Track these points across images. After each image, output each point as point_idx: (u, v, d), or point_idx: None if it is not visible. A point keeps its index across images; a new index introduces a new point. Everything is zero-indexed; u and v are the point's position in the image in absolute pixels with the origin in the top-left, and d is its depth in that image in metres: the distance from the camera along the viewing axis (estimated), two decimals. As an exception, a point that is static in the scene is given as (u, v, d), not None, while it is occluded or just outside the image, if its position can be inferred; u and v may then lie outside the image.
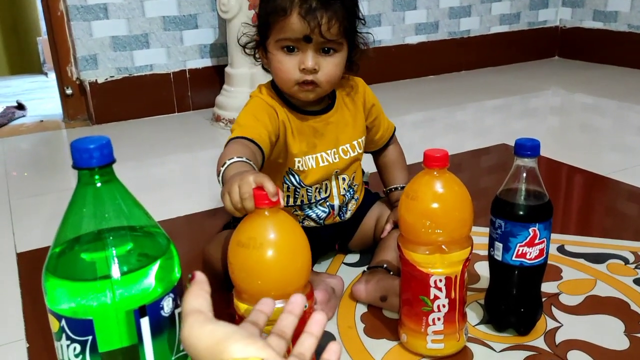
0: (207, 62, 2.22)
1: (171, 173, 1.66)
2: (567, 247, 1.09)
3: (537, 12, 2.87)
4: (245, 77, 1.95)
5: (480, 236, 0.90)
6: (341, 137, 0.96)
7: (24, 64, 3.67)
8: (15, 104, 2.50)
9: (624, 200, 1.34)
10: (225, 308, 0.66)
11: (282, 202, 0.63)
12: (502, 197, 0.79)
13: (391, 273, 0.92)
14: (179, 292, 0.55)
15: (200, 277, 0.50)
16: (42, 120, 2.25)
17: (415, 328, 0.78)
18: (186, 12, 2.15)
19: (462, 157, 1.62)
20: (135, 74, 2.12)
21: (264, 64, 0.93)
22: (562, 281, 0.98)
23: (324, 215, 0.99)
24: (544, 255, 0.79)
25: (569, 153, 1.61)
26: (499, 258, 0.80)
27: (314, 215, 0.98)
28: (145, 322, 0.51)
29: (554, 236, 1.08)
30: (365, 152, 1.04)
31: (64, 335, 0.51)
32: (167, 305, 0.53)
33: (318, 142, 0.94)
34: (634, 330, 0.85)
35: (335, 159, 0.95)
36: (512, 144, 0.78)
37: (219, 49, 2.22)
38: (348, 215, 1.01)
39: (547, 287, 0.95)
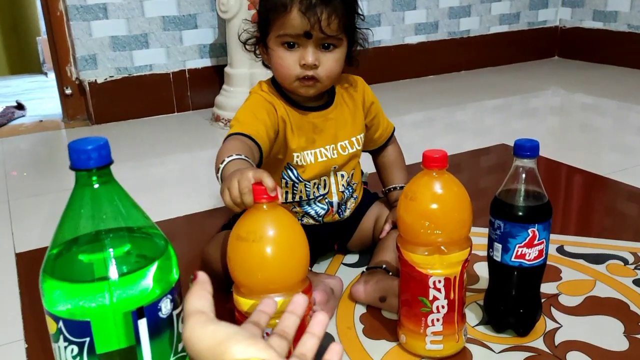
0: (206, 62, 2.22)
1: (171, 173, 1.66)
2: (567, 248, 1.09)
3: (536, 12, 2.87)
4: (244, 77, 1.95)
5: (480, 237, 0.90)
6: (340, 134, 0.96)
7: (24, 63, 3.67)
8: (15, 104, 2.50)
9: (623, 201, 1.34)
10: (225, 306, 0.66)
11: (281, 198, 0.64)
12: (501, 198, 0.79)
13: (390, 274, 0.92)
14: (177, 293, 0.55)
15: (202, 277, 0.50)
16: (41, 120, 2.25)
17: (414, 329, 0.78)
18: (186, 12, 2.15)
19: (462, 157, 1.62)
20: (135, 74, 2.12)
21: (265, 60, 0.94)
22: (561, 282, 0.98)
23: (322, 212, 0.99)
24: (543, 256, 0.79)
25: (568, 153, 1.61)
26: (498, 259, 0.80)
27: (312, 212, 0.98)
28: (143, 324, 0.51)
29: (553, 237, 1.08)
30: (364, 151, 1.04)
31: (61, 337, 0.51)
32: (165, 306, 0.53)
33: (317, 138, 0.94)
34: (634, 331, 0.85)
35: (333, 154, 0.95)
36: (512, 144, 0.78)
37: (219, 49, 2.22)
38: (347, 213, 1.01)
39: (547, 287, 0.95)
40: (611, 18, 2.70)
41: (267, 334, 0.51)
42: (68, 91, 2.13)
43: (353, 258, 1.08)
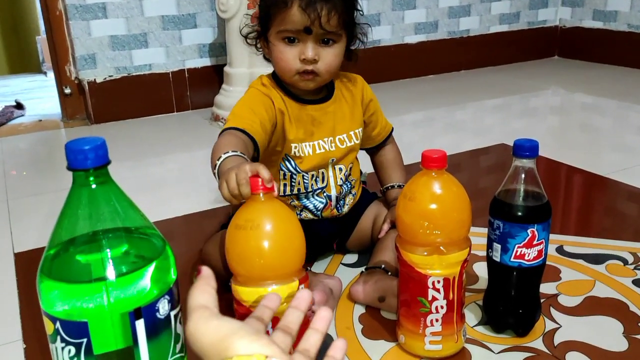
0: (206, 62, 2.22)
1: (170, 173, 1.66)
2: (566, 248, 1.09)
3: (536, 11, 2.87)
4: (244, 76, 1.95)
5: (479, 237, 0.90)
6: (338, 127, 0.97)
7: (23, 63, 3.67)
8: (14, 104, 2.49)
9: (623, 201, 1.34)
10: (225, 303, 0.66)
11: (276, 192, 0.65)
12: (500, 198, 0.79)
13: (389, 273, 0.92)
14: (175, 293, 0.55)
15: (206, 272, 0.50)
16: (40, 120, 2.25)
17: (413, 329, 0.78)
18: (185, 12, 2.14)
19: (461, 157, 1.62)
20: (134, 74, 2.12)
21: (265, 54, 0.96)
22: (561, 282, 0.98)
23: (321, 206, 0.99)
24: (543, 256, 0.79)
25: (568, 153, 1.61)
26: (498, 259, 0.80)
27: (311, 206, 0.99)
28: (140, 324, 0.51)
29: (553, 237, 1.08)
30: (363, 148, 1.06)
31: (58, 338, 0.50)
32: (163, 307, 0.53)
33: (315, 130, 0.95)
34: (633, 331, 0.84)
35: (331, 147, 0.97)
36: (512, 143, 0.78)
37: (218, 48, 2.22)
38: (345, 209, 1.02)
39: (546, 288, 0.95)
40: (611, 18, 2.70)
41: (267, 332, 0.51)
42: (67, 91, 2.13)
43: (352, 258, 1.07)
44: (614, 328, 0.85)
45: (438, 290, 0.75)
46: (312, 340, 0.48)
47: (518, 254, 0.78)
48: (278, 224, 0.64)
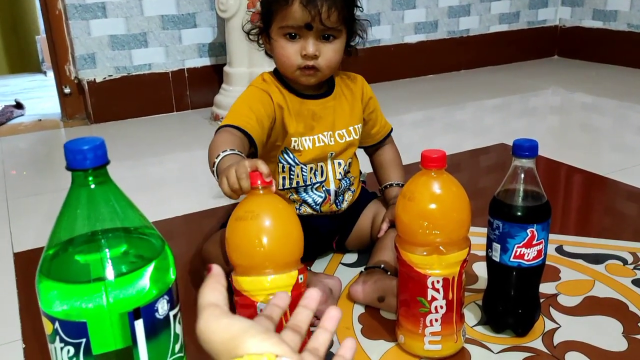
0: (205, 61, 2.22)
1: (169, 172, 1.66)
2: (566, 248, 1.09)
3: (536, 11, 2.87)
4: (243, 76, 1.95)
5: (479, 236, 0.90)
6: (337, 123, 0.99)
7: (23, 62, 3.67)
8: (14, 103, 2.49)
9: (623, 201, 1.34)
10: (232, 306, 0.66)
11: (274, 188, 0.68)
12: (499, 198, 0.79)
13: (389, 273, 0.92)
14: (174, 293, 0.55)
15: (216, 270, 0.50)
16: (40, 119, 2.25)
17: (412, 329, 0.78)
18: (185, 11, 2.14)
19: (461, 157, 1.62)
20: (134, 73, 2.12)
21: (267, 50, 0.98)
22: (560, 282, 0.98)
23: (320, 200, 1.00)
24: (542, 256, 0.79)
25: (568, 153, 1.61)
26: (497, 259, 0.80)
27: (310, 200, 0.99)
28: (139, 325, 0.51)
29: (552, 236, 1.08)
30: (362, 147, 1.07)
31: (57, 338, 0.50)
32: (162, 307, 0.53)
33: (316, 125, 0.97)
34: (633, 331, 0.84)
35: (330, 141, 0.98)
36: (511, 143, 0.78)
37: (218, 48, 2.21)
38: (344, 206, 1.02)
39: (546, 287, 0.95)
40: (611, 17, 2.70)
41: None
42: (67, 90, 2.13)
43: (352, 258, 1.07)
44: (613, 328, 0.85)
45: (437, 290, 0.75)
46: (321, 339, 0.48)
47: (517, 254, 0.78)
48: (277, 215, 0.66)
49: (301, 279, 0.67)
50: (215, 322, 0.43)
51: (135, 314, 0.50)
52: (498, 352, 0.81)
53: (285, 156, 0.96)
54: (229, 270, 0.69)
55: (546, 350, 0.81)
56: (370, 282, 0.90)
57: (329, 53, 0.91)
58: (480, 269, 0.99)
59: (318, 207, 1.00)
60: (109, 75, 2.09)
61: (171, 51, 2.16)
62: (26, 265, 1.11)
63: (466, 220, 0.75)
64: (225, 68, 2.03)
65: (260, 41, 0.97)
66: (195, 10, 2.16)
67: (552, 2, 2.89)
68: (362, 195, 1.07)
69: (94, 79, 2.06)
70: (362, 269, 0.99)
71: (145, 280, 0.52)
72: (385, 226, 0.98)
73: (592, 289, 0.96)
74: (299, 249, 0.68)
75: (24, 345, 0.87)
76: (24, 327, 0.92)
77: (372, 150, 1.10)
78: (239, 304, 0.67)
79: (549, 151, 1.58)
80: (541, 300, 0.85)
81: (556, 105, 2.27)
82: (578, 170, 1.49)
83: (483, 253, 0.84)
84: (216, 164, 0.79)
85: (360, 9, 0.95)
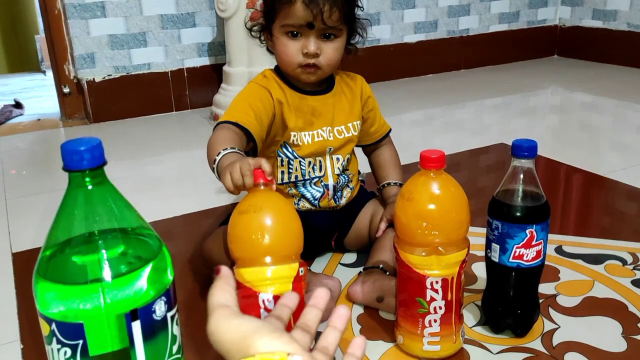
0: (205, 61, 2.22)
1: (169, 172, 1.66)
2: (565, 248, 1.09)
3: (536, 10, 2.87)
4: (243, 75, 1.95)
5: (478, 237, 0.89)
6: (337, 119, 1.00)
7: (23, 62, 3.66)
8: (13, 103, 2.49)
9: (622, 201, 1.34)
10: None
11: (275, 186, 0.70)
12: (499, 198, 0.79)
13: (387, 273, 0.92)
14: (172, 294, 0.55)
15: (225, 271, 0.50)
16: (39, 119, 2.25)
17: (411, 330, 0.78)
18: (184, 11, 2.14)
19: (461, 157, 1.62)
20: (133, 73, 2.12)
21: (269, 47, 0.99)
22: (559, 282, 0.98)
23: (318, 195, 1.00)
24: (541, 257, 0.79)
25: (567, 152, 1.61)
26: (496, 259, 0.79)
27: (308, 195, 1.00)
28: (136, 326, 0.50)
29: (552, 237, 1.07)
30: (360, 146, 1.08)
31: (54, 339, 0.50)
32: (160, 308, 0.53)
33: (315, 120, 0.98)
34: (632, 332, 0.84)
35: (329, 136, 0.99)
36: (511, 143, 0.77)
37: (217, 47, 2.21)
38: (343, 202, 1.03)
39: (545, 288, 0.94)
40: (611, 17, 2.70)
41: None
42: (66, 90, 2.12)
43: (351, 258, 1.07)
44: (612, 328, 0.85)
45: (436, 291, 0.75)
46: (331, 339, 0.48)
47: (517, 254, 0.78)
48: (279, 209, 0.68)
49: (302, 271, 0.68)
50: (226, 323, 0.44)
51: (133, 315, 0.50)
52: (497, 353, 0.81)
53: (284, 150, 0.98)
54: (230, 265, 0.70)
55: (545, 351, 0.80)
56: (369, 282, 0.90)
57: (329, 51, 0.92)
58: (480, 270, 0.99)
59: (316, 201, 1.01)
60: (108, 75, 2.08)
61: (170, 51, 2.16)
62: (25, 265, 1.11)
63: (465, 220, 0.75)
64: (225, 67, 2.03)
65: (262, 38, 0.99)
66: (194, 10, 2.16)
67: (551, 1, 2.89)
68: (361, 194, 1.08)
69: (93, 79, 2.06)
70: (361, 269, 0.99)
71: (142, 281, 0.52)
72: (383, 226, 0.98)
73: (592, 290, 0.95)
74: (299, 242, 0.69)
75: (21, 346, 0.87)
76: (22, 327, 0.92)
77: (370, 150, 1.11)
78: (241, 297, 0.67)
79: (549, 151, 1.58)
80: (540, 301, 0.85)
81: (556, 105, 2.27)
82: (577, 170, 1.49)
83: (482, 253, 0.84)
84: (217, 161, 0.80)
85: (361, 8, 0.97)
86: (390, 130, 1.10)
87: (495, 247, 0.79)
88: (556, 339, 0.83)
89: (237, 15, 1.89)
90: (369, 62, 2.42)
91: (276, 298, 0.65)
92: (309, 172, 0.99)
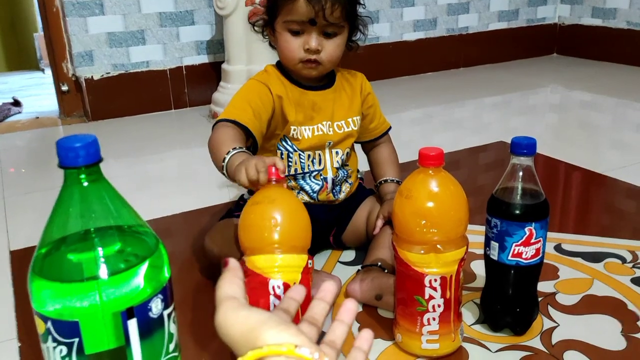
0: (203, 59, 2.21)
1: (168, 170, 1.65)
2: (564, 246, 1.08)
3: (535, 8, 2.86)
4: (241, 73, 1.94)
5: (477, 234, 0.89)
6: (337, 114, 1.01)
7: (22, 60, 3.66)
8: (12, 101, 2.49)
9: (622, 199, 1.33)
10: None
11: (285, 185, 0.74)
12: (498, 196, 0.78)
13: (386, 271, 0.92)
14: (168, 292, 0.55)
15: (233, 264, 0.51)
16: (37, 117, 2.24)
17: (410, 328, 0.78)
18: (182, 9, 2.14)
19: (460, 155, 1.61)
20: (132, 71, 2.11)
21: (271, 41, 1.01)
22: (558, 280, 0.97)
23: (317, 187, 1.01)
24: (540, 255, 0.79)
25: (567, 150, 1.61)
26: (495, 257, 0.79)
27: (307, 187, 1.01)
28: (132, 324, 0.50)
29: (551, 235, 1.07)
30: (359, 142, 1.08)
31: (50, 337, 0.50)
32: (156, 306, 0.52)
33: (315, 115, 0.99)
34: (631, 330, 0.84)
35: (329, 131, 1.00)
36: (510, 141, 0.77)
37: (216, 45, 2.21)
38: (341, 196, 1.04)
39: (544, 286, 0.94)
40: (610, 15, 2.69)
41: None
42: (64, 88, 2.12)
43: (349, 256, 1.07)
44: (612, 327, 0.85)
45: (435, 289, 0.74)
46: (338, 332, 0.49)
47: (515, 252, 0.77)
48: (291, 202, 0.72)
49: (310, 263, 0.70)
50: (234, 315, 0.44)
51: (129, 313, 0.50)
52: (496, 351, 0.80)
53: (284, 143, 0.99)
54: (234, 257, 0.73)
55: (544, 349, 0.80)
56: (367, 280, 0.90)
57: (330, 48, 0.94)
58: (478, 268, 0.99)
59: (315, 194, 1.01)
60: (107, 73, 2.08)
61: (169, 48, 2.15)
62: (22, 262, 1.10)
63: (464, 218, 0.74)
64: (224, 65, 2.02)
65: (265, 33, 1.00)
66: (193, 8, 2.15)
67: (551, -1, 2.89)
68: (359, 191, 1.09)
69: (92, 77, 2.06)
70: (359, 267, 0.98)
71: (139, 279, 0.51)
72: (379, 223, 0.98)
73: (591, 288, 0.95)
74: (308, 236, 0.72)
75: (19, 344, 0.87)
76: (20, 325, 0.91)
77: (369, 148, 1.11)
78: (251, 285, 0.68)
79: (548, 149, 1.58)
80: (539, 299, 0.85)
81: (555, 103, 2.26)
82: (577, 168, 1.49)
83: (481, 251, 0.84)
84: (226, 159, 0.83)
85: (363, 5, 0.98)
86: (390, 128, 1.10)
87: (494, 245, 0.79)
88: (555, 337, 0.83)
89: (236, 13, 1.88)
90: (368, 60, 2.41)
91: (286, 285, 0.66)
92: (308, 165, 1.00)
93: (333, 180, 1.02)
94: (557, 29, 2.94)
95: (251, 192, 1.06)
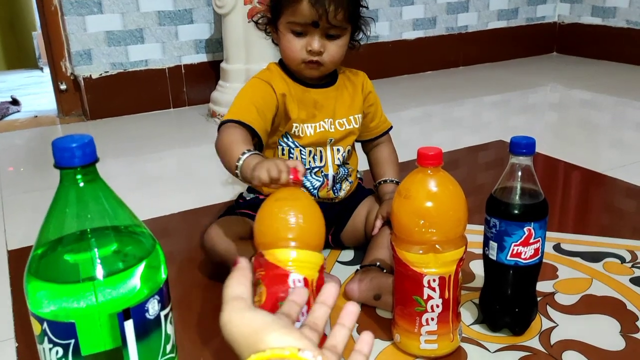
0: (202, 58, 2.21)
1: (166, 169, 1.65)
2: (563, 246, 1.08)
3: (535, 7, 2.86)
4: (240, 72, 1.94)
5: (476, 234, 0.89)
6: (338, 112, 1.01)
7: (20, 58, 3.65)
8: (10, 99, 2.48)
9: (621, 198, 1.33)
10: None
11: (303, 189, 0.76)
12: (496, 196, 0.78)
13: (385, 271, 0.91)
14: (165, 293, 0.54)
15: (243, 263, 0.50)
16: (36, 116, 2.24)
17: (408, 328, 0.77)
18: (181, 7, 2.13)
19: (459, 154, 1.61)
20: (130, 69, 2.11)
21: (274, 39, 1.01)
22: (557, 280, 0.97)
23: (317, 184, 1.02)
24: (539, 255, 0.78)
25: (566, 150, 1.60)
26: (494, 257, 0.79)
27: (308, 184, 1.01)
28: (129, 325, 0.50)
29: (550, 234, 1.07)
30: (359, 140, 1.08)
31: (46, 339, 0.50)
32: (153, 307, 0.52)
33: (317, 113, 1.00)
34: (630, 330, 0.84)
35: (331, 128, 1.01)
36: (509, 140, 0.77)
37: (215, 44, 2.20)
38: (341, 194, 1.04)
39: (543, 286, 0.94)
40: (610, 14, 2.69)
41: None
42: (63, 86, 2.11)
43: (348, 255, 1.07)
44: (611, 327, 0.85)
45: (434, 289, 0.74)
46: (339, 337, 0.48)
47: (514, 252, 0.77)
48: (312, 202, 0.73)
49: (325, 264, 0.71)
50: (239, 315, 0.44)
51: (125, 314, 0.50)
52: (495, 352, 0.80)
53: (285, 139, 1.00)
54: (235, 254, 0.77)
55: (543, 350, 0.80)
56: (366, 280, 0.89)
57: (333, 49, 0.94)
58: (477, 267, 0.98)
59: (315, 191, 1.01)
60: (105, 72, 2.07)
61: (168, 47, 2.15)
62: (20, 262, 1.10)
63: (463, 218, 0.74)
64: (222, 64, 2.02)
65: (268, 30, 1.00)
66: (191, 6, 2.15)
67: (551, -2, 2.88)
68: (359, 190, 1.09)
69: (90, 75, 2.05)
70: (358, 267, 0.98)
71: (135, 279, 0.51)
72: (378, 223, 0.97)
73: (590, 288, 0.95)
74: (324, 237, 0.73)
75: (16, 344, 0.86)
76: (17, 325, 0.91)
77: (369, 147, 1.11)
78: (270, 279, 0.67)
79: (547, 148, 1.58)
80: (538, 299, 0.85)
81: (555, 102, 2.26)
82: (576, 167, 1.48)
83: (480, 251, 0.83)
84: (241, 160, 0.82)
85: (366, 7, 0.98)
86: (391, 127, 1.10)
87: (493, 245, 0.79)
88: (554, 338, 0.82)
89: (235, 11, 1.88)
90: (368, 58, 2.40)
91: (306, 280, 0.66)
92: (310, 161, 1.00)
93: (334, 177, 1.02)
94: (556, 27, 2.94)
95: (252, 191, 1.06)
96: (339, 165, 1.03)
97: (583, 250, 1.06)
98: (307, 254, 0.68)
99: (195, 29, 2.17)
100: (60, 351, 0.49)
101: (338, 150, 1.02)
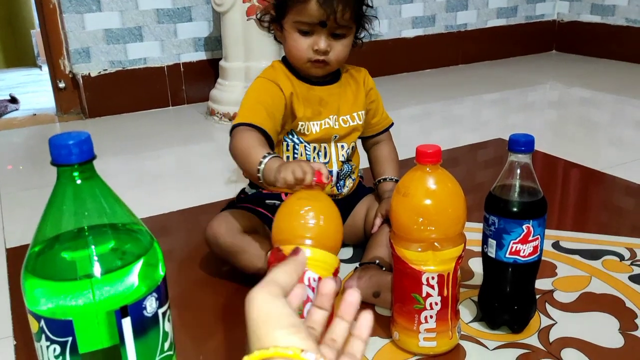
0: (201, 56, 2.20)
1: (165, 167, 1.65)
2: (562, 243, 1.08)
3: (534, 5, 2.85)
4: (239, 71, 1.94)
5: (475, 232, 0.89)
6: (342, 108, 1.02)
7: (19, 57, 3.64)
8: (8, 97, 2.48)
9: (620, 196, 1.33)
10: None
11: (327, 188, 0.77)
12: (495, 194, 0.78)
13: (384, 269, 0.91)
14: (163, 291, 0.54)
15: (301, 257, 0.49)
16: (35, 114, 2.23)
17: (407, 326, 0.77)
18: (180, 5, 2.13)
19: (459, 152, 1.61)
20: (129, 68, 2.10)
21: (278, 37, 1.01)
22: (556, 278, 0.97)
23: None
24: (538, 253, 0.78)
25: (565, 148, 1.60)
26: (493, 255, 0.79)
27: None
28: (127, 323, 0.50)
29: (549, 232, 1.07)
30: (360, 137, 1.08)
31: (43, 336, 0.50)
32: (150, 305, 0.52)
33: (323, 110, 1.00)
34: (629, 328, 0.84)
35: (335, 124, 1.01)
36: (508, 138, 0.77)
37: (214, 42, 2.20)
38: (345, 191, 1.04)
39: (542, 283, 0.94)
40: (609, 12, 2.69)
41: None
42: (61, 85, 2.11)
43: (347, 253, 1.07)
44: (609, 324, 0.85)
45: (432, 287, 0.74)
46: (338, 331, 0.48)
47: (513, 250, 0.77)
48: (333, 205, 0.73)
49: (339, 268, 0.71)
50: (265, 298, 0.43)
51: (123, 312, 0.49)
52: (493, 349, 0.80)
53: (290, 136, 1.00)
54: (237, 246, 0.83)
55: (542, 347, 0.80)
56: (365, 277, 0.89)
57: (339, 48, 0.95)
58: (476, 265, 0.98)
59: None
60: (104, 70, 2.07)
61: (167, 45, 2.14)
62: (18, 260, 1.09)
63: (461, 216, 0.74)
64: (221, 62, 2.02)
65: (271, 28, 1.00)
66: (190, 4, 2.14)
67: (550, -4, 2.88)
68: (359, 188, 1.09)
69: (89, 73, 2.05)
70: (357, 264, 0.98)
71: (133, 277, 0.51)
72: (378, 221, 0.98)
73: (589, 285, 0.95)
74: (341, 240, 0.73)
75: (15, 342, 0.86)
76: (15, 323, 0.91)
77: (370, 144, 1.11)
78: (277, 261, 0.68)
79: (547, 146, 1.57)
80: (537, 297, 0.85)
81: (554, 100, 2.26)
82: (575, 165, 1.48)
83: (479, 249, 0.83)
84: (263, 163, 0.83)
85: (371, 6, 0.99)
86: (392, 124, 1.11)
87: (492, 242, 0.78)
88: (553, 335, 0.82)
89: (234, 9, 1.87)
90: (367, 56, 2.40)
91: (320, 280, 0.65)
92: (314, 157, 1.01)
93: (338, 173, 1.02)
94: (555, 25, 2.94)
95: (254, 186, 1.06)
96: (343, 162, 1.03)
97: (582, 248, 1.06)
98: (323, 254, 0.68)
99: (194, 27, 2.17)
100: (58, 349, 0.49)
101: (342, 146, 1.03)
